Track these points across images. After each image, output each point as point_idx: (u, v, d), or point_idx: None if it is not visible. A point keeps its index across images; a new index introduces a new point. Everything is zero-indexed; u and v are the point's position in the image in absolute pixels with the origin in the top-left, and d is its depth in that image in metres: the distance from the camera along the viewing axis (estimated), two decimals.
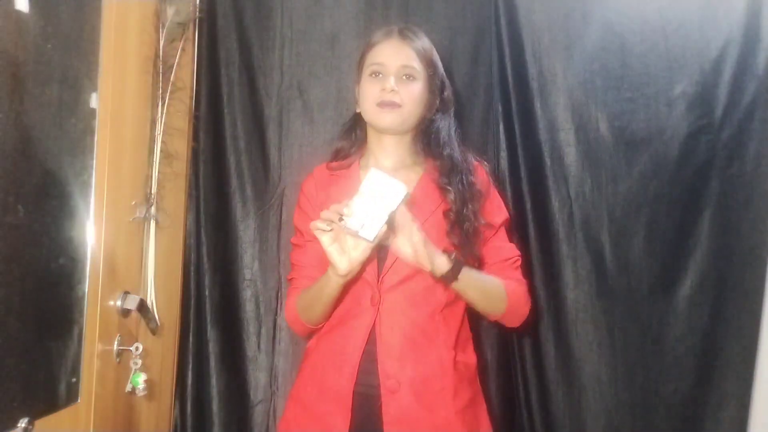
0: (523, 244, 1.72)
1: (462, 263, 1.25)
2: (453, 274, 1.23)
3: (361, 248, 1.17)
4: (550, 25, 1.72)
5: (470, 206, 1.33)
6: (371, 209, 1.12)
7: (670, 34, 1.69)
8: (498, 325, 1.73)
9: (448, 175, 1.35)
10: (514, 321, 1.40)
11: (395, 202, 1.12)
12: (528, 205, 1.73)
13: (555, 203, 1.71)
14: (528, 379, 1.73)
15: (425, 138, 1.40)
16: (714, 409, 1.67)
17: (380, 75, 1.35)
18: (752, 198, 1.66)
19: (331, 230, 1.17)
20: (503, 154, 1.75)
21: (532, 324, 1.73)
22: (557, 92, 1.72)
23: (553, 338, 1.72)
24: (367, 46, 1.41)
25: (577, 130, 1.72)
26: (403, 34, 1.38)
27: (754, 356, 1.64)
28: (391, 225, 1.15)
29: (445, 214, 1.33)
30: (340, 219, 1.13)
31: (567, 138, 1.72)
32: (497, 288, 1.33)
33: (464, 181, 1.34)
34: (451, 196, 1.33)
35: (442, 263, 1.22)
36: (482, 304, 1.33)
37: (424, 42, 1.39)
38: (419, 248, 1.18)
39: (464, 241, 1.32)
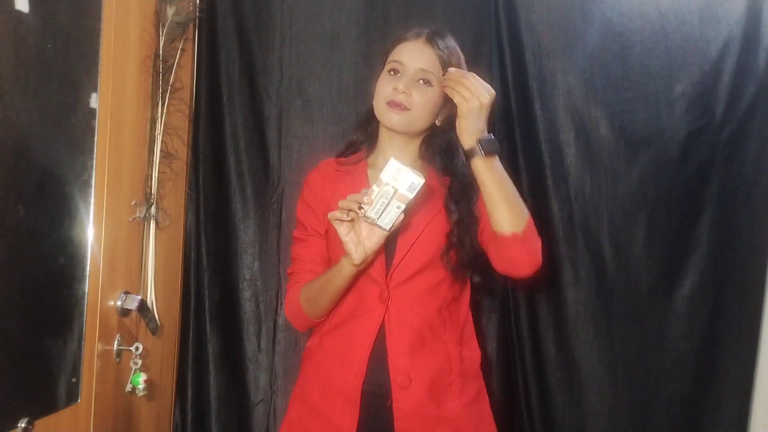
0: None
1: (496, 149, 1.24)
2: (480, 150, 1.22)
3: (376, 237, 1.19)
4: (550, 25, 1.72)
5: (473, 229, 1.32)
6: (390, 198, 1.14)
7: (670, 34, 1.69)
8: (498, 320, 1.74)
9: (457, 196, 1.33)
10: (531, 253, 1.26)
11: (412, 192, 1.14)
12: (528, 205, 1.72)
13: (555, 203, 1.71)
14: (528, 379, 1.73)
15: (432, 147, 1.38)
16: (714, 409, 1.67)
17: (397, 73, 1.34)
18: (752, 198, 1.66)
19: (350, 220, 1.18)
20: (503, 154, 1.75)
21: (532, 323, 1.73)
22: (557, 92, 1.72)
23: (553, 338, 1.72)
24: (394, 41, 1.39)
25: (577, 130, 1.72)
26: (431, 39, 1.35)
27: (754, 356, 1.64)
28: (406, 215, 1.17)
29: (447, 236, 1.32)
30: (359, 208, 1.15)
31: (567, 138, 1.72)
32: (520, 198, 1.27)
33: (470, 207, 1.33)
34: (455, 217, 1.31)
35: (473, 137, 1.22)
36: (502, 202, 1.23)
37: (450, 50, 1.35)
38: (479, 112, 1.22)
39: (458, 265, 1.32)
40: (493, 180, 1.23)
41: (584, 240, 1.71)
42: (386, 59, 1.38)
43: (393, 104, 1.32)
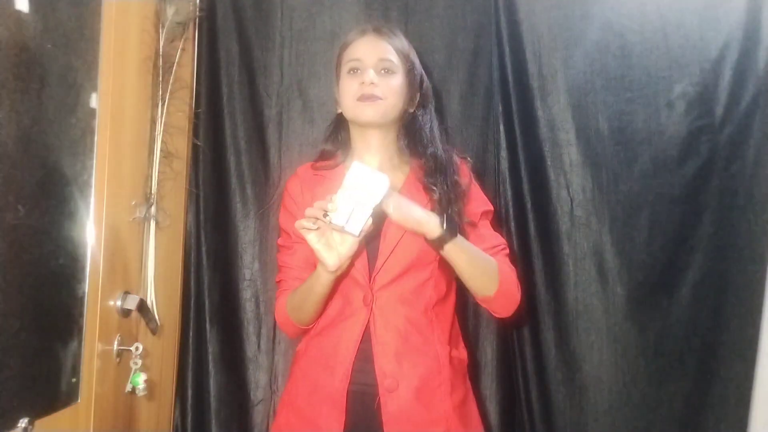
0: (523, 243, 1.72)
1: (456, 226, 1.23)
2: (448, 235, 1.21)
3: (349, 243, 1.17)
4: (550, 25, 1.72)
5: (455, 207, 1.31)
6: (355, 203, 1.11)
7: (670, 34, 1.69)
8: (498, 322, 1.74)
9: (433, 174, 1.33)
10: (506, 307, 1.34)
11: (379, 195, 1.11)
12: (528, 205, 1.73)
13: (555, 203, 1.71)
14: (528, 379, 1.73)
15: (409, 135, 1.39)
16: (714, 409, 1.67)
17: (358, 71, 1.35)
18: (752, 198, 1.66)
19: (317, 228, 1.16)
20: (503, 154, 1.75)
21: (532, 323, 1.73)
22: (557, 92, 1.72)
23: (553, 338, 1.72)
24: (342, 46, 1.41)
25: (577, 130, 1.72)
26: (379, 31, 1.38)
27: (754, 356, 1.64)
28: (375, 218, 1.15)
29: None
30: (325, 215, 1.12)
31: (567, 138, 1.72)
32: (489, 263, 1.30)
33: (449, 181, 1.33)
34: (436, 196, 1.31)
35: (435, 224, 1.21)
36: (474, 276, 1.28)
37: (400, 38, 1.39)
38: (405, 212, 1.19)
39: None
40: (464, 258, 1.25)
41: (585, 240, 1.71)
42: (340, 63, 1.40)
43: (364, 98, 1.32)
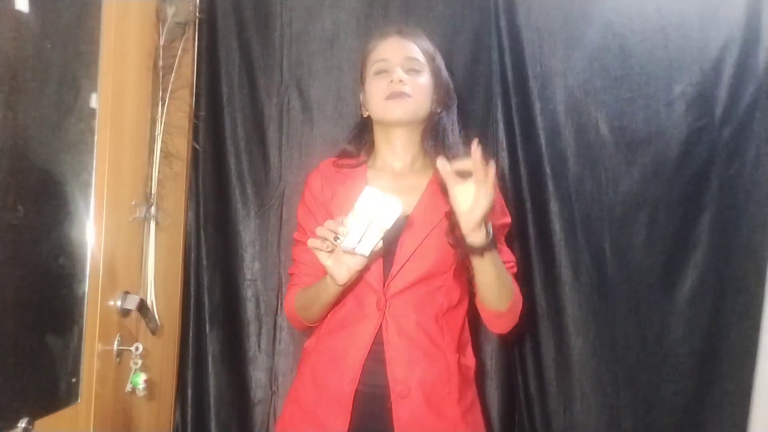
0: (523, 244, 1.72)
1: (494, 241, 1.21)
2: (492, 245, 1.19)
3: (358, 259, 1.16)
4: (550, 25, 1.72)
5: None
6: (366, 227, 1.10)
7: (670, 34, 1.70)
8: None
9: None
10: (510, 323, 1.35)
11: (391, 219, 1.10)
12: (528, 205, 1.73)
13: (555, 203, 1.71)
14: (528, 380, 1.73)
15: (433, 137, 1.38)
16: (714, 409, 1.67)
17: (385, 72, 1.34)
18: (752, 198, 1.66)
19: (330, 250, 1.16)
20: (503, 154, 1.75)
21: (532, 325, 1.73)
22: (557, 92, 1.72)
23: (553, 338, 1.72)
24: (367, 50, 1.41)
25: (577, 130, 1.72)
26: (402, 32, 1.39)
27: (754, 356, 1.64)
28: (385, 241, 1.14)
29: (447, 214, 1.31)
30: (335, 237, 1.12)
31: (567, 138, 1.72)
32: (509, 278, 1.31)
33: None
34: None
35: (483, 234, 1.16)
36: (495, 289, 1.27)
37: (423, 39, 1.40)
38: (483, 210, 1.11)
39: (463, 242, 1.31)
40: (494, 271, 1.23)
41: (584, 240, 1.71)
42: (365, 66, 1.39)
43: (393, 96, 1.31)
